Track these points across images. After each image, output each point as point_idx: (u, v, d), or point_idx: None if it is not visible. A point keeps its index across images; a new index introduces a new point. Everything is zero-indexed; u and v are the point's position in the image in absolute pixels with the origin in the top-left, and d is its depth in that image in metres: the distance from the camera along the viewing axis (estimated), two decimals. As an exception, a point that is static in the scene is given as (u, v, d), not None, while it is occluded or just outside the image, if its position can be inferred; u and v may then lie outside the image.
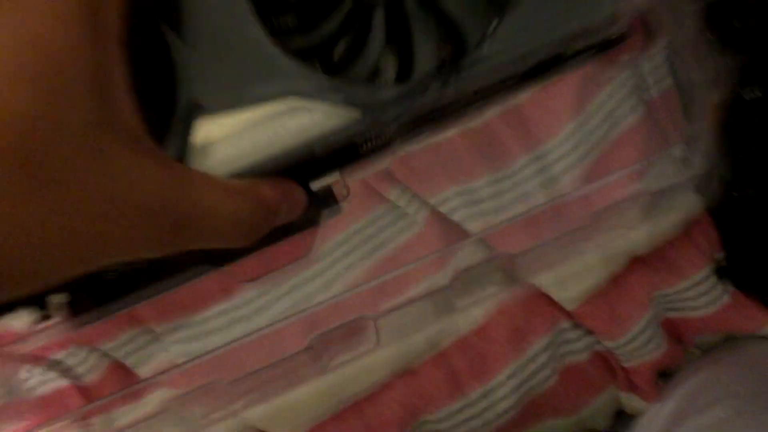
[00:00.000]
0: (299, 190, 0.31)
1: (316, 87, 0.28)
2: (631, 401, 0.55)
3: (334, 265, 0.46)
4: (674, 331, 0.54)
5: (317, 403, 0.45)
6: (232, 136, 0.28)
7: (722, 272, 0.53)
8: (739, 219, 0.55)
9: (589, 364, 0.52)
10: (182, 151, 0.27)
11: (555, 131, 0.47)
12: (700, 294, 0.52)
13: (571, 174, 0.47)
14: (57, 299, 0.34)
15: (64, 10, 0.22)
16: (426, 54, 0.30)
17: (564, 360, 0.51)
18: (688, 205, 0.51)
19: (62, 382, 0.46)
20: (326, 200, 0.34)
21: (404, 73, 0.30)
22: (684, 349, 0.55)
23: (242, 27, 0.28)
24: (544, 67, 0.34)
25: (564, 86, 0.46)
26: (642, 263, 0.50)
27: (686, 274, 0.52)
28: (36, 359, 0.46)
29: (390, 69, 0.31)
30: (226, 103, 0.28)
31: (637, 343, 0.50)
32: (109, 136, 0.22)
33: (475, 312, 0.48)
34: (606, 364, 0.52)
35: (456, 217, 0.46)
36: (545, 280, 0.48)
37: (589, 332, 0.50)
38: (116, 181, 0.22)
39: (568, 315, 0.49)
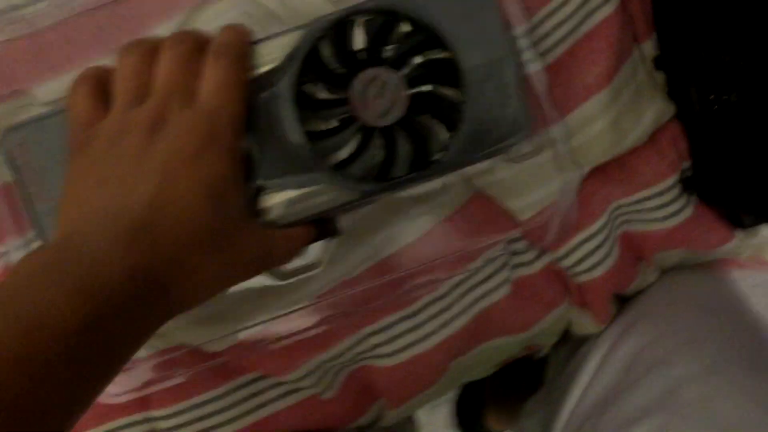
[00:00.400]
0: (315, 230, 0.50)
1: (331, 179, 0.48)
2: (581, 319, 0.58)
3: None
4: (632, 247, 0.56)
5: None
6: (281, 204, 0.47)
7: (687, 183, 0.52)
8: (713, 126, 0.52)
9: (541, 277, 0.56)
10: (258, 214, 0.47)
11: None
12: (661, 204, 0.53)
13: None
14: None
15: (227, 157, 0.42)
16: (402, 163, 0.48)
17: (516, 272, 0.56)
18: (656, 110, 0.52)
19: None
20: (334, 229, 0.53)
21: (384, 173, 0.49)
22: (642, 268, 0.57)
23: (290, 138, 0.47)
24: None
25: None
26: (601, 171, 0.54)
27: (648, 182, 0.53)
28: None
29: (376, 169, 0.49)
30: (278, 186, 0.47)
31: (583, 252, 0.55)
32: (245, 218, 0.44)
33: (421, 220, 0.54)
34: (559, 278, 0.57)
35: None
36: (497, 188, 0.53)
37: (537, 245, 0.55)
38: (247, 242, 0.44)
39: (519, 224, 0.54)
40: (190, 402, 0.55)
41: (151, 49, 0.44)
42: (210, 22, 0.53)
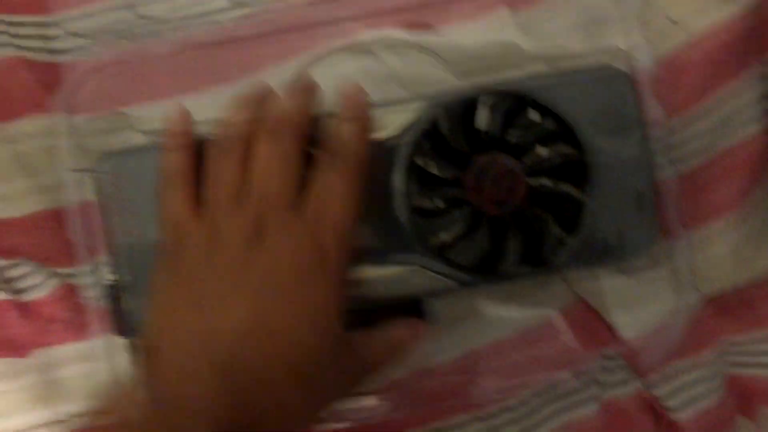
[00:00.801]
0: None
1: (429, 261, 0.44)
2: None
3: None
4: (736, 394, 0.50)
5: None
6: (371, 280, 0.44)
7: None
8: None
9: (633, 404, 0.50)
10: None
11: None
12: None
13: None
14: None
15: (335, 281, 0.39)
16: (509, 258, 0.44)
17: (607, 392, 0.50)
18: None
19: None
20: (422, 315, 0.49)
21: (489, 266, 0.45)
22: (741, 424, 0.51)
23: (395, 211, 0.44)
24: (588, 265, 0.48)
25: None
26: (717, 300, 0.50)
27: (765, 320, 0.50)
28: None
29: (480, 258, 0.46)
30: (371, 260, 0.44)
31: (679, 384, 0.49)
32: (344, 339, 0.39)
33: (517, 318, 0.50)
34: (651, 410, 0.50)
35: None
36: (601, 298, 0.49)
37: (633, 368, 0.50)
38: (345, 363, 0.39)
39: (620, 342, 0.49)
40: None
41: (246, 145, 0.40)
42: (328, 71, 0.50)
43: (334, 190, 0.40)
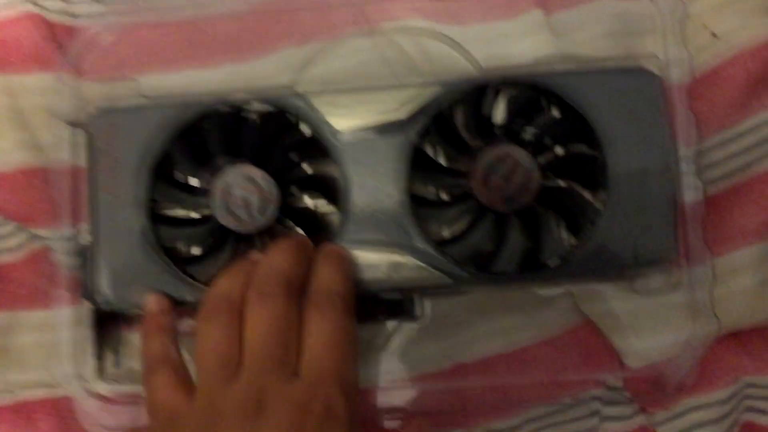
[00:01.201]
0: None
1: (426, 254, 0.41)
2: None
3: None
4: None
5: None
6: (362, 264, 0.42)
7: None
8: None
9: None
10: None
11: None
12: None
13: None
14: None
15: None
16: (510, 258, 0.41)
17: (606, 426, 0.47)
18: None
19: None
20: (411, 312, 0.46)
21: (487, 264, 0.42)
22: None
23: (394, 195, 0.42)
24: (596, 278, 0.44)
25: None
26: (737, 336, 0.46)
27: None
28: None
29: (479, 256, 0.42)
30: (367, 239, 0.42)
31: (688, 424, 0.46)
32: None
33: (516, 333, 0.47)
34: None
35: None
36: (609, 321, 0.46)
37: (637, 401, 0.46)
38: None
39: (626, 371, 0.46)
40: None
41: (236, 309, 0.37)
42: (345, 57, 0.48)
43: (330, 344, 0.37)
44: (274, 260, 0.39)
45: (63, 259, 0.46)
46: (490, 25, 0.48)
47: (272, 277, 0.38)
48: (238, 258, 0.42)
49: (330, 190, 0.43)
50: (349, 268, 0.41)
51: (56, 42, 0.49)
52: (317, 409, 0.35)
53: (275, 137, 0.43)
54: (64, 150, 0.46)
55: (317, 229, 0.43)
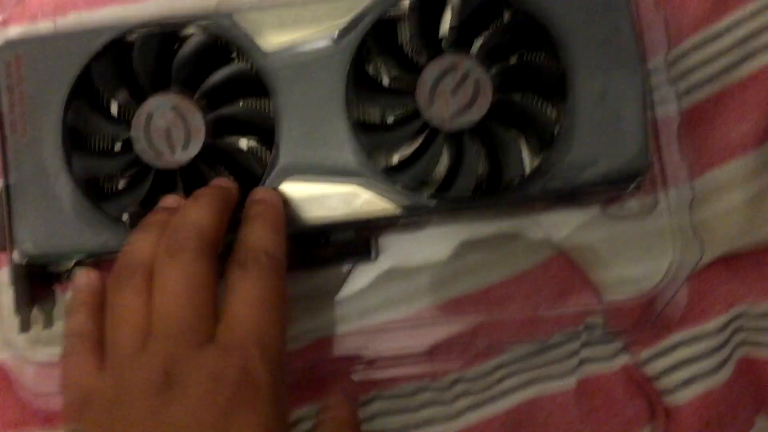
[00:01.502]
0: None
1: (375, 183, 0.37)
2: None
3: None
4: (751, 381, 0.43)
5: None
6: (304, 200, 0.37)
7: None
8: None
9: (619, 384, 0.43)
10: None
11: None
12: None
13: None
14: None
15: (268, 411, 0.31)
16: (466, 180, 0.37)
17: (586, 368, 0.43)
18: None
19: None
20: (365, 249, 0.42)
21: (443, 189, 0.37)
22: (760, 424, 0.43)
23: (333, 115, 0.37)
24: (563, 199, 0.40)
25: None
26: (729, 262, 0.43)
27: None
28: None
29: (433, 181, 0.38)
30: (308, 172, 0.37)
31: (678, 359, 0.42)
32: None
33: (484, 271, 0.43)
34: (641, 392, 0.43)
35: None
36: (585, 252, 0.42)
37: (619, 338, 0.43)
38: None
39: (606, 307, 0.42)
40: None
41: (147, 273, 0.33)
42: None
43: (252, 304, 0.33)
44: (188, 213, 0.34)
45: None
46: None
47: (184, 232, 0.33)
48: (156, 197, 0.38)
49: (262, 124, 0.39)
50: (278, 219, 0.37)
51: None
52: (232, 375, 0.31)
53: (203, 64, 0.39)
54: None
55: (246, 170, 0.39)
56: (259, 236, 0.35)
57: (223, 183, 0.37)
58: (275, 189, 0.38)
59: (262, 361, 0.31)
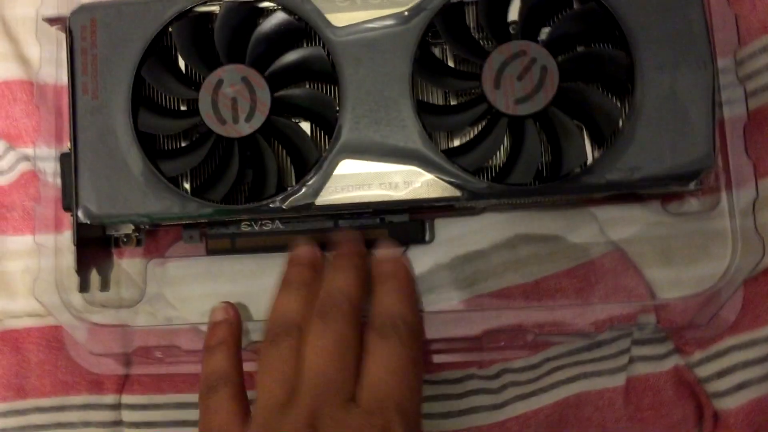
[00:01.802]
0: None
1: (437, 165, 0.37)
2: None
3: None
4: None
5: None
6: (363, 179, 0.38)
7: None
8: None
9: (669, 385, 0.42)
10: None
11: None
12: None
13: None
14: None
15: None
16: (527, 167, 0.37)
17: (637, 368, 0.42)
18: None
19: None
20: (419, 232, 0.42)
21: (503, 175, 0.37)
22: None
23: (398, 95, 0.38)
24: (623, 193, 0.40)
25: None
26: None
27: None
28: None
29: (493, 167, 0.38)
30: (368, 151, 0.37)
31: (730, 363, 0.41)
32: None
33: (534, 264, 0.43)
34: (692, 395, 0.42)
35: None
36: (641, 248, 0.41)
37: (672, 339, 0.42)
38: None
39: (660, 307, 0.41)
40: (166, 398, 0.45)
41: (297, 333, 0.36)
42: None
43: (393, 371, 0.34)
44: (337, 280, 0.38)
45: (49, 179, 0.42)
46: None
47: (335, 299, 0.37)
48: (210, 162, 0.39)
49: (324, 111, 0.39)
50: (410, 281, 0.40)
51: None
52: None
53: (278, 43, 0.39)
54: (50, 64, 0.43)
55: (302, 151, 0.39)
56: (394, 302, 0.37)
57: (357, 250, 0.40)
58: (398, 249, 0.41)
59: (401, 425, 0.32)
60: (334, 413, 0.33)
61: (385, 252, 0.40)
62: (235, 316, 0.41)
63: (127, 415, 0.44)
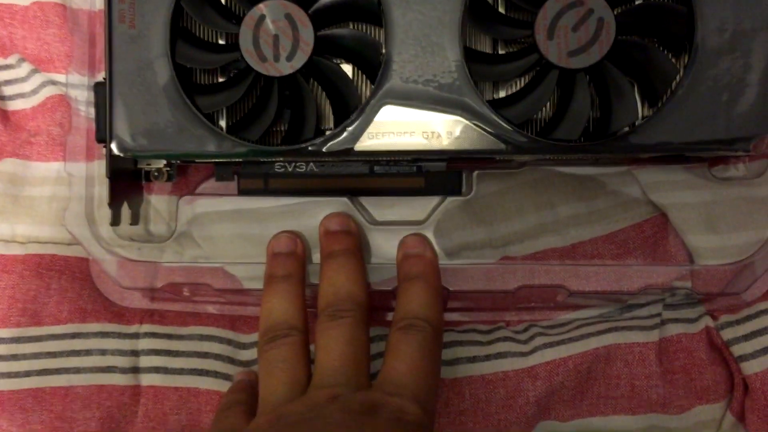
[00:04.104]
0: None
1: (481, 116, 0.36)
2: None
3: None
4: None
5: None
6: (405, 125, 0.37)
7: None
8: None
9: (701, 347, 0.41)
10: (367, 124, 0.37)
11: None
12: None
13: None
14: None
15: None
16: (575, 123, 0.36)
17: (670, 328, 0.41)
18: None
19: None
20: (458, 186, 0.41)
21: (548, 130, 0.36)
22: None
23: (446, 40, 0.36)
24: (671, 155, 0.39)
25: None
26: None
27: None
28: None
29: (540, 120, 0.37)
30: (412, 97, 0.36)
31: (760, 325, 0.40)
32: None
33: (575, 227, 0.43)
34: (722, 361, 0.42)
35: None
36: (684, 214, 0.41)
37: (705, 305, 0.42)
38: None
39: (694, 270, 0.41)
40: (189, 330, 0.44)
41: (299, 333, 0.37)
42: None
43: (412, 366, 0.35)
44: (339, 277, 0.38)
45: (81, 108, 0.41)
46: None
47: (341, 298, 0.37)
48: (248, 100, 0.38)
49: (368, 53, 0.38)
50: (439, 282, 0.39)
51: None
52: (387, 412, 0.32)
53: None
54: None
55: (343, 95, 0.38)
56: (421, 303, 0.37)
57: (347, 240, 0.40)
58: (429, 241, 0.40)
59: (418, 408, 0.33)
60: (349, 393, 0.34)
61: (414, 248, 0.40)
62: (302, 251, 0.40)
63: (145, 344, 0.44)
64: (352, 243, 0.40)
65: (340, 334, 0.36)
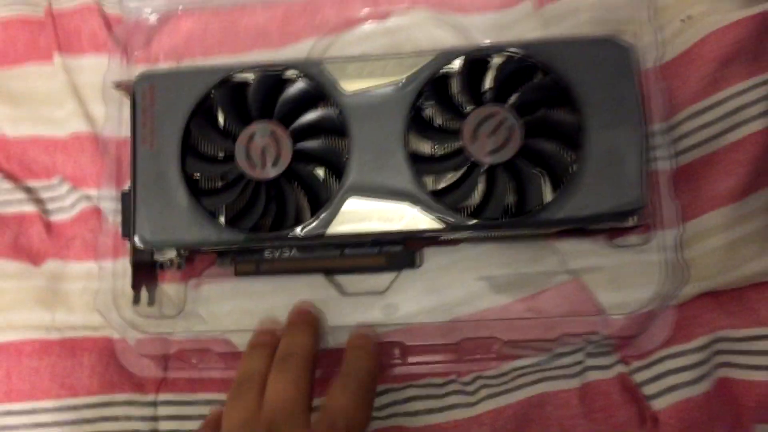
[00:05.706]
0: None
1: (425, 203, 0.47)
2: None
3: None
4: (729, 400, 0.48)
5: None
6: (365, 214, 0.47)
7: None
8: None
9: (615, 390, 0.49)
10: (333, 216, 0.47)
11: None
12: None
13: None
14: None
15: None
16: (497, 205, 0.46)
17: (589, 375, 0.50)
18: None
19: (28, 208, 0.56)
20: (411, 259, 0.51)
21: (477, 212, 0.47)
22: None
23: (394, 147, 0.47)
24: (575, 228, 0.49)
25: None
26: (712, 296, 0.49)
27: (765, 321, 0.48)
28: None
29: (470, 205, 0.48)
30: (369, 191, 0.46)
31: (664, 369, 0.48)
32: None
33: (504, 292, 0.51)
34: (633, 399, 0.49)
35: None
36: (594, 275, 0.50)
37: (619, 351, 0.49)
38: None
39: (607, 323, 0.49)
40: (197, 396, 0.53)
41: (260, 386, 0.43)
42: (358, 43, 0.55)
43: (346, 405, 0.42)
44: (294, 336, 0.47)
45: (109, 216, 0.52)
46: (488, 15, 0.55)
47: (291, 349, 0.45)
48: (242, 199, 0.48)
49: (335, 159, 0.48)
50: (376, 353, 0.47)
51: (109, 29, 0.58)
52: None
53: (299, 105, 0.49)
54: (113, 122, 0.53)
55: (316, 191, 0.48)
56: (359, 357, 0.46)
57: (307, 308, 0.50)
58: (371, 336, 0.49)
59: None
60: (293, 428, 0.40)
61: (358, 339, 0.48)
62: (275, 325, 0.50)
63: (162, 410, 0.53)
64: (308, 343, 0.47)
65: (288, 377, 0.43)
